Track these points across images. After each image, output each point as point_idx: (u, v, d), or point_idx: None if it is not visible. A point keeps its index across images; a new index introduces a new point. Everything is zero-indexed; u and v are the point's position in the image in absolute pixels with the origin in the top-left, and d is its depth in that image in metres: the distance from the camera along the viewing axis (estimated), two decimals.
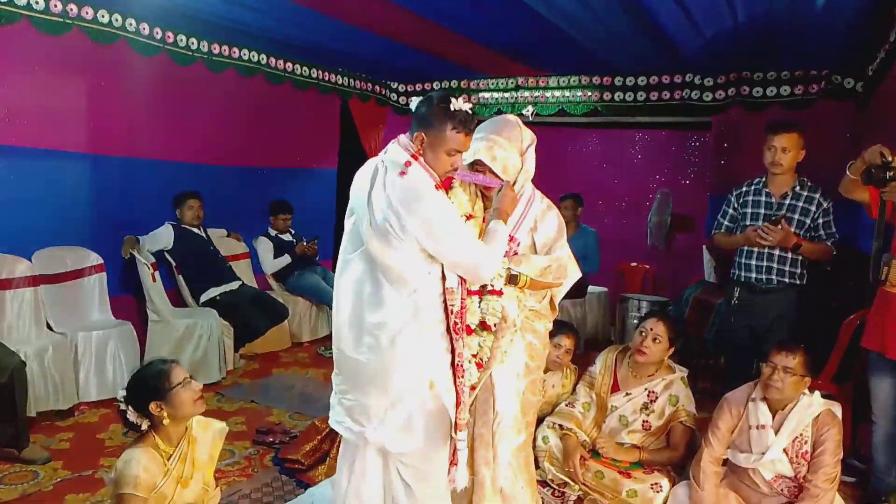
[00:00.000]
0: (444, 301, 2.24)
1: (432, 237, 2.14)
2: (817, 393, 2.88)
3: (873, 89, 4.75)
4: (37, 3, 3.96)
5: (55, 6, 4.06)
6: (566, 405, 3.41)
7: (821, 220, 3.54)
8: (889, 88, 4.31)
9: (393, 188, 2.14)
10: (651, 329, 3.27)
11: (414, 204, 2.12)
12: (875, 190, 3.02)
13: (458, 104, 2.22)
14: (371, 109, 7.04)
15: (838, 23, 4.05)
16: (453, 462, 2.35)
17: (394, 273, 2.18)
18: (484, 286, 2.39)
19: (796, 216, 3.55)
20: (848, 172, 3.08)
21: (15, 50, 4.00)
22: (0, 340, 3.54)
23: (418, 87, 7.11)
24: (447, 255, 2.19)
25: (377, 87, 7.08)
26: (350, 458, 2.38)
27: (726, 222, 3.82)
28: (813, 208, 3.52)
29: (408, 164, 2.17)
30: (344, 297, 2.31)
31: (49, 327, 4.19)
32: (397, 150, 2.23)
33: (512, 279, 2.45)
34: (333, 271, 6.25)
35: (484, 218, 2.50)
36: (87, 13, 4.24)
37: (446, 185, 2.29)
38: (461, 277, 2.26)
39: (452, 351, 2.26)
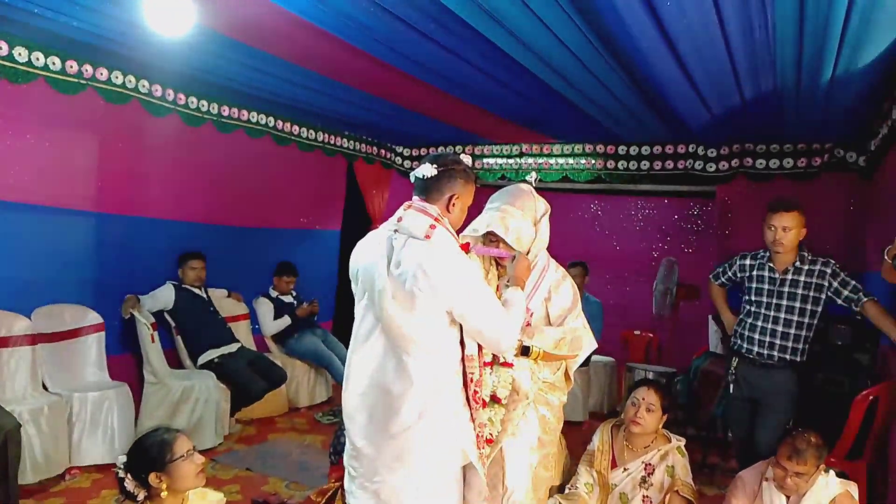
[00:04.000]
0: (464, 369, 2.19)
1: (460, 301, 2.12)
2: (833, 473, 2.80)
3: (876, 163, 4.80)
4: (53, 63, 4.02)
5: (71, 67, 4.12)
6: (569, 488, 3.31)
7: (837, 285, 3.49)
8: (892, 163, 4.36)
9: (420, 253, 2.12)
10: (643, 399, 3.20)
11: (444, 266, 2.11)
12: None
13: (468, 159, 2.36)
14: (376, 172, 7.09)
15: (842, 99, 4.12)
16: None
17: (418, 344, 2.13)
18: (496, 357, 2.34)
19: (799, 291, 3.56)
20: (885, 257, 3.03)
21: (30, 108, 4.04)
22: None
23: (423, 151, 7.19)
24: (473, 320, 2.15)
25: (382, 151, 7.15)
26: None
27: (724, 279, 3.94)
28: (825, 282, 3.50)
29: (432, 227, 2.16)
30: (363, 375, 2.23)
31: (44, 387, 4.10)
32: (416, 216, 2.22)
33: (524, 351, 2.41)
34: (334, 333, 6.23)
35: (498, 287, 2.48)
36: (101, 74, 4.30)
37: (465, 248, 2.27)
38: (479, 345, 2.21)
39: (473, 420, 2.20)
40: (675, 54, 3.44)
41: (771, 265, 3.65)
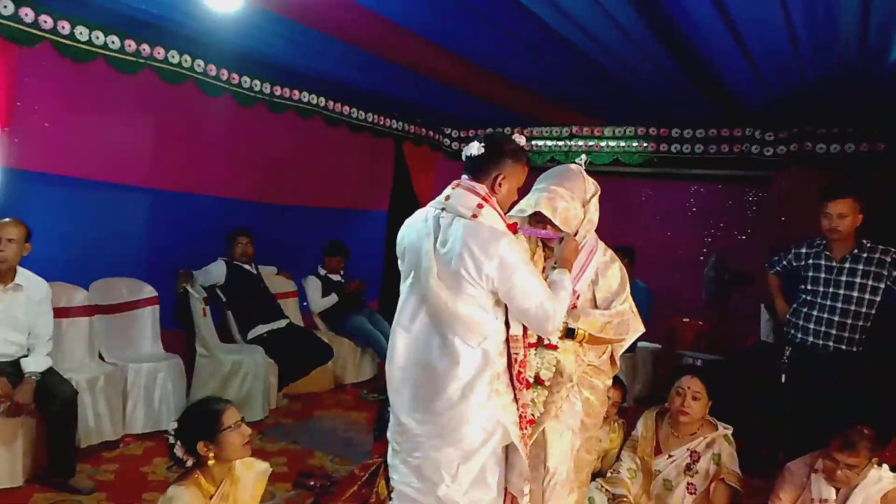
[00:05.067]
0: (508, 349, 2.19)
1: (507, 280, 2.11)
2: (886, 467, 2.72)
3: None
4: (112, 42, 4.11)
5: (129, 46, 4.21)
6: (611, 472, 3.29)
7: None
8: None
9: (467, 232, 2.12)
10: (688, 387, 3.16)
11: (491, 245, 2.10)
12: None
13: (522, 140, 2.33)
14: (424, 154, 7.10)
15: None
16: None
17: (463, 322, 2.13)
18: (540, 339, 2.33)
19: (858, 279, 3.48)
20: None
21: (90, 86, 4.14)
22: (54, 368, 3.59)
23: (471, 132, 7.16)
24: (518, 300, 2.14)
25: (431, 133, 7.15)
26: None
27: (779, 268, 3.91)
28: (885, 271, 3.40)
29: (480, 206, 2.16)
30: (408, 353, 2.24)
31: (101, 357, 4.24)
32: (463, 194, 2.21)
33: (569, 333, 2.38)
34: (379, 313, 6.29)
35: (543, 268, 2.45)
36: (158, 53, 4.38)
37: (512, 229, 2.25)
38: (524, 326, 2.20)
39: (516, 401, 2.20)
40: (733, 31, 3.31)
41: (827, 253, 3.57)
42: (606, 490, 3.19)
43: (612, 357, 2.58)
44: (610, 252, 2.60)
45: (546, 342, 2.34)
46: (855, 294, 3.48)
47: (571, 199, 2.45)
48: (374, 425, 3.60)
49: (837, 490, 2.68)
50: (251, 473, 2.48)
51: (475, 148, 2.24)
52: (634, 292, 5.73)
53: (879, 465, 2.69)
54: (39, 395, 3.41)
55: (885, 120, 5.11)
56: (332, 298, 5.89)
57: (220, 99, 4.90)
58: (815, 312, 3.58)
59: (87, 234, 4.31)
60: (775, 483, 2.88)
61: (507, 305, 2.17)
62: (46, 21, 3.71)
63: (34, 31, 3.66)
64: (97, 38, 4.03)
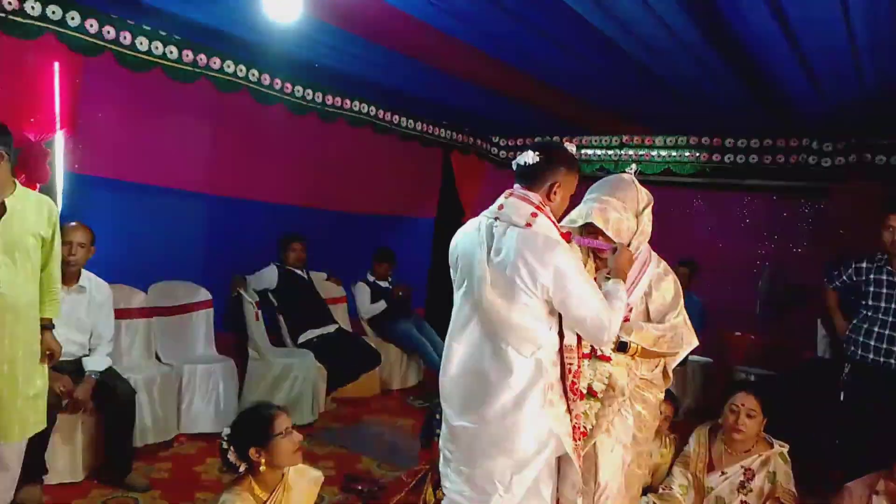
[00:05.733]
0: (562, 359, 2.18)
1: (562, 289, 2.11)
2: None
3: None
4: (171, 52, 4.23)
5: (187, 56, 4.31)
6: (663, 488, 3.23)
7: None
8: None
9: (521, 240, 2.12)
10: (743, 404, 3.10)
11: (546, 254, 2.10)
12: None
13: (572, 148, 2.35)
14: (471, 163, 7.11)
15: None
16: None
17: (517, 332, 2.13)
18: (594, 350, 2.31)
19: None
20: None
21: (149, 95, 4.27)
22: (113, 367, 3.70)
23: (519, 141, 7.14)
24: (574, 310, 2.13)
25: (478, 142, 7.16)
26: None
27: (838, 283, 3.85)
28: None
29: (534, 215, 2.16)
30: (460, 361, 2.25)
31: (157, 358, 4.36)
32: (517, 203, 2.21)
33: (621, 347, 2.36)
34: (426, 319, 6.32)
35: (595, 279, 2.44)
36: (214, 63, 4.48)
37: (566, 238, 2.25)
38: (578, 336, 2.20)
39: (569, 411, 2.19)
40: (788, 32, 3.21)
41: (889, 268, 3.48)
42: None
43: (664, 370, 2.55)
44: (664, 264, 2.57)
45: (599, 353, 2.33)
46: None
47: (624, 210, 2.43)
48: (422, 432, 3.62)
49: None
50: (304, 481, 2.50)
51: (530, 156, 2.25)
52: (689, 305, 5.69)
53: None
54: (99, 393, 3.53)
55: None
56: (381, 305, 5.94)
57: (273, 107, 4.98)
58: (876, 328, 3.49)
59: (145, 237, 4.45)
60: (833, 502, 2.80)
61: (562, 315, 2.16)
62: (109, 32, 3.83)
63: (98, 42, 3.77)
64: (156, 48, 4.14)
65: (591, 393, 2.33)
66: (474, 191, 7.13)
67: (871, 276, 3.55)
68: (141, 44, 4.06)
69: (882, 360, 3.45)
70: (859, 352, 3.53)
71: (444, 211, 6.91)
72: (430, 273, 6.90)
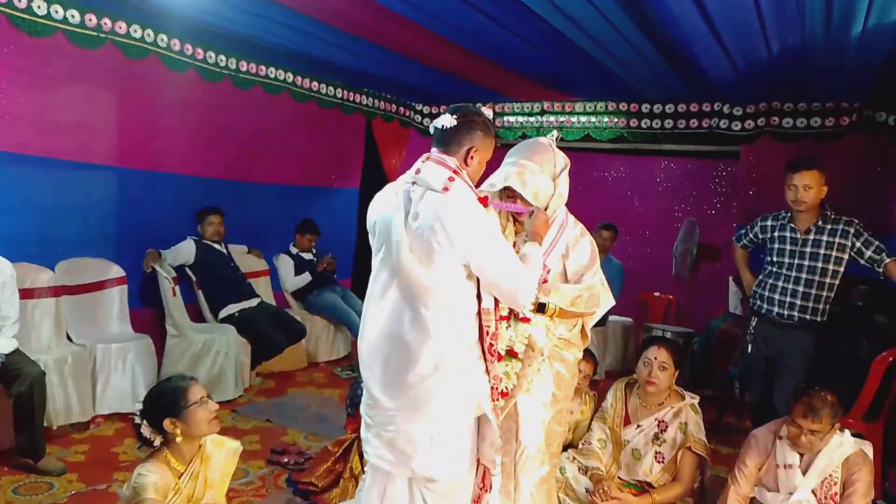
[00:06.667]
0: (480, 322, 2.20)
1: (479, 253, 2.11)
2: (848, 433, 2.79)
3: None
4: (72, 16, 4.01)
5: (90, 20, 4.10)
6: (583, 443, 3.33)
7: (860, 245, 3.49)
8: None
9: (438, 205, 2.10)
10: (655, 358, 3.18)
11: (462, 218, 2.09)
12: None
13: (489, 112, 2.33)
14: (394, 130, 7.05)
15: (872, 56, 4.00)
16: (485, 488, 2.29)
17: (435, 296, 2.12)
18: (512, 312, 2.34)
19: (822, 251, 3.55)
20: None
21: (49, 62, 4.03)
22: (21, 349, 3.53)
23: (442, 108, 7.10)
24: (490, 273, 2.14)
25: (401, 109, 7.10)
26: (381, 488, 2.28)
27: (746, 241, 3.94)
28: (848, 242, 3.48)
29: (451, 179, 2.14)
30: (379, 327, 2.23)
31: (69, 338, 4.18)
32: (434, 167, 2.19)
33: (540, 308, 2.40)
34: (352, 291, 6.28)
35: (514, 243, 2.46)
36: (120, 28, 4.28)
37: (483, 202, 2.25)
38: (496, 299, 2.21)
39: (487, 373, 2.21)
40: (701, 7, 3.34)
41: (792, 225, 3.63)
42: (578, 461, 3.23)
43: (582, 330, 2.60)
44: (580, 226, 2.61)
45: (521, 316, 2.35)
46: (819, 265, 3.54)
47: (541, 173, 2.45)
48: (348, 400, 3.61)
49: (801, 455, 2.74)
50: (222, 451, 2.46)
51: (447, 120, 2.23)
52: (608, 267, 5.84)
53: (841, 430, 2.76)
54: (6, 376, 3.36)
55: (849, 95, 5.19)
56: (306, 277, 5.86)
57: (184, 74, 4.81)
58: (780, 283, 3.64)
59: (52, 214, 4.23)
60: (741, 450, 2.94)
61: (479, 278, 2.18)
62: None
63: None
64: (56, 11, 3.92)
65: (511, 354, 2.36)
66: (398, 159, 7.09)
67: (776, 234, 3.69)
68: (38, 7, 3.84)
69: (785, 312, 3.61)
70: (765, 306, 3.69)
71: (369, 180, 6.83)
72: (356, 244, 6.84)
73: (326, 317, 5.96)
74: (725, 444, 4.37)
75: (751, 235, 3.87)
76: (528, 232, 2.37)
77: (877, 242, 3.46)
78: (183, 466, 2.31)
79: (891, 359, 3.57)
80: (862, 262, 3.49)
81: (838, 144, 5.27)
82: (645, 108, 6.09)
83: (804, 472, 2.72)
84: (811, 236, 3.56)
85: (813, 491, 2.70)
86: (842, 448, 2.71)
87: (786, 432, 2.78)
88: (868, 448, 2.79)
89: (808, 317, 3.56)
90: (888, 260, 3.41)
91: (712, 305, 5.98)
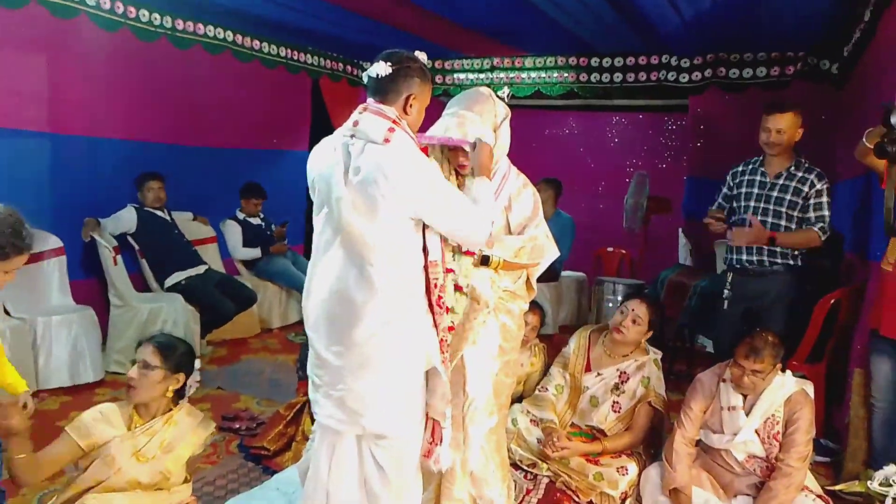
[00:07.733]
0: (427, 275, 2.16)
1: (428, 203, 2.07)
2: (789, 373, 2.85)
3: (848, 71, 4.73)
4: None
5: None
6: (539, 390, 3.35)
7: (812, 202, 3.41)
8: (863, 70, 4.29)
9: (380, 157, 2.04)
10: (633, 310, 3.20)
11: (406, 169, 2.04)
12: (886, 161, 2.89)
13: (423, 56, 2.25)
14: (342, 90, 6.90)
15: (815, 4, 4.01)
16: (435, 442, 2.28)
17: (380, 252, 2.07)
18: (458, 247, 2.31)
19: (788, 196, 3.44)
20: (864, 140, 2.94)
21: None
22: None
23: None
24: (442, 221, 2.11)
25: (349, 67, 6.94)
26: (330, 447, 2.25)
27: (720, 200, 3.75)
28: (805, 188, 3.40)
29: (391, 130, 2.08)
30: (324, 286, 2.17)
31: (6, 312, 4.03)
32: (372, 119, 2.12)
33: (484, 260, 2.37)
34: (304, 256, 6.16)
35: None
36: None
37: (425, 152, 2.19)
38: (442, 251, 2.17)
39: (436, 326, 2.18)
40: None
41: (763, 169, 3.53)
42: (531, 413, 3.25)
43: (527, 281, 2.58)
44: (523, 177, 2.57)
45: (463, 249, 2.32)
46: (783, 210, 3.45)
47: (482, 124, 2.39)
48: (298, 364, 3.56)
49: (745, 397, 2.80)
50: (193, 420, 2.43)
51: (381, 68, 2.15)
52: (558, 222, 5.81)
53: (783, 371, 2.82)
54: None
55: (794, 45, 5.22)
56: (256, 252, 5.75)
57: (117, 34, 4.61)
58: (745, 229, 3.49)
59: None
60: (687, 394, 2.98)
61: (433, 227, 2.13)
62: None
63: None
64: None
65: (457, 289, 2.34)
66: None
67: (745, 178, 3.59)
68: None
69: (755, 258, 3.52)
70: (734, 256, 3.60)
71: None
72: (306, 208, 6.72)
73: (277, 282, 5.87)
74: (676, 391, 4.44)
75: (725, 190, 3.72)
76: (474, 166, 2.32)
77: (824, 211, 3.40)
78: (142, 421, 2.32)
79: (832, 301, 3.63)
80: (796, 213, 3.44)
81: (784, 93, 5.31)
82: (594, 61, 6.06)
83: (747, 414, 2.78)
84: (780, 181, 3.46)
85: (756, 431, 2.76)
86: (784, 388, 2.77)
87: (729, 375, 2.83)
88: (809, 388, 2.85)
89: (779, 261, 3.48)
90: (811, 227, 3.38)
91: (664, 257, 6.06)
